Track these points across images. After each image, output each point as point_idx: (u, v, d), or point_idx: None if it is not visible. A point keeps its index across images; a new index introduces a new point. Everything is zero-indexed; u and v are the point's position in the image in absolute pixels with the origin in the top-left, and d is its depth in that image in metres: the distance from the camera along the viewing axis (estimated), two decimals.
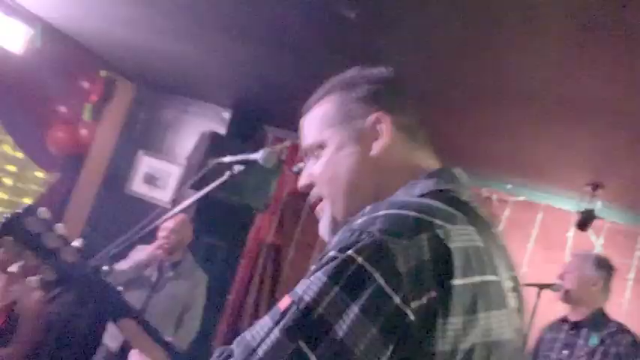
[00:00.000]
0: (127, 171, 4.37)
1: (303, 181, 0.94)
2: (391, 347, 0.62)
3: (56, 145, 4.21)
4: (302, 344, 0.62)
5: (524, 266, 3.73)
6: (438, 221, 0.68)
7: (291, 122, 4.30)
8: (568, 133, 2.84)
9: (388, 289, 0.62)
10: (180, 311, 2.99)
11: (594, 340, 2.37)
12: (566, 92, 2.41)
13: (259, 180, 3.86)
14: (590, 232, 3.57)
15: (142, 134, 4.43)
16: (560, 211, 3.67)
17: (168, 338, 1.12)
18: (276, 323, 0.65)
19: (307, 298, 0.64)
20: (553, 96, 2.48)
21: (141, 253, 2.88)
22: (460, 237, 0.68)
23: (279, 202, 4.26)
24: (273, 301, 4.12)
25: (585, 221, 3.31)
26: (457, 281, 0.65)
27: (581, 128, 2.74)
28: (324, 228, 0.91)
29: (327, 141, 0.91)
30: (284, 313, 0.65)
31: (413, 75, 2.53)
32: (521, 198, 3.90)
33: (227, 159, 1.74)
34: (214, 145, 3.64)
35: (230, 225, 4.04)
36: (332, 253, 0.66)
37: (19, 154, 4.63)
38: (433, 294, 0.63)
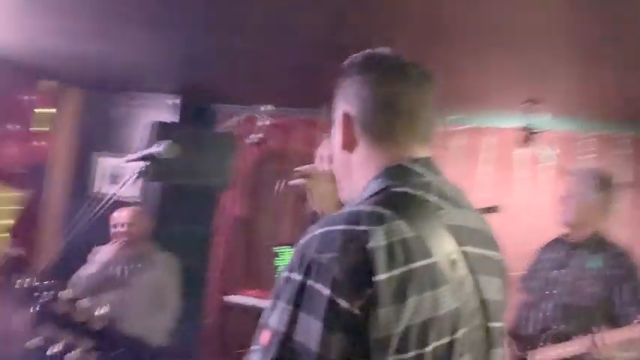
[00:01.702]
0: (89, 174, 4.43)
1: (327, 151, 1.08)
2: (356, 344, 0.76)
3: (14, 161, 4.28)
4: None
5: (480, 190, 3.83)
6: (362, 227, 0.80)
7: (239, 97, 4.34)
8: (499, 58, 2.87)
9: (336, 298, 0.76)
10: (156, 299, 3.10)
11: (597, 262, 2.31)
12: (494, 19, 2.42)
13: (217, 159, 3.93)
14: (539, 146, 3.65)
15: (96, 136, 4.47)
16: (506, 131, 3.74)
17: None
18: (264, 356, 0.78)
19: (282, 329, 0.78)
20: (480, 24, 2.48)
21: (102, 253, 2.98)
22: (384, 235, 0.79)
23: (244, 176, 4.34)
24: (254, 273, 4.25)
25: (527, 137, 3.38)
26: (381, 276, 0.76)
27: (512, 52, 2.77)
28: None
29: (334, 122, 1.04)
30: (269, 348, 0.78)
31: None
32: (467, 126, 3.97)
33: (130, 157, 1.81)
34: (163, 133, 3.69)
35: (198, 208, 4.13)
36: (285, 274, 0.82)
37: None
38: (369, 291, 0.76)
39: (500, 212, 2.96)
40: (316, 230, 0.82)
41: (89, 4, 2.72)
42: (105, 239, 3.01)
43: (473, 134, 3.98)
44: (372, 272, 0.76)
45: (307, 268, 0.78)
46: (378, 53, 1.02)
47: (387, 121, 0.97)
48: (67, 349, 1.19)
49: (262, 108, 4.34)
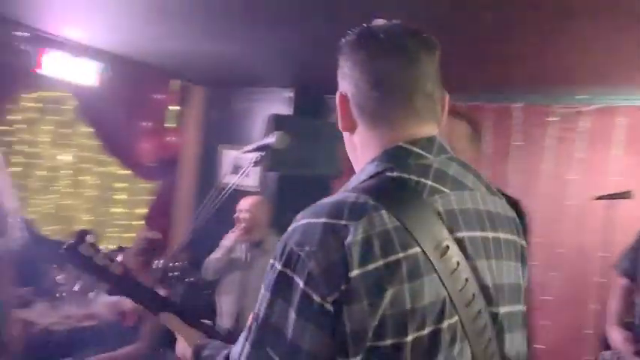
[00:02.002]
0: (215, 166, 4.74)
1: None
2: (328, 336, 0.78)
3: (148, 155, 4.69)
4: (268, 350, 0.81)
5: (612, 175, 3.54)
6: (342, 222, 0.79)
7: None
8: (631, 30, 2.65)
9: (309, 291, 0.78)
10: None
11: None
12: None
13: (328, 148, 4.02)
14: None
15: (220, 130, 4.77)
16: None
17: (206, 322, 1.35)
18: (246, 339, 0.85)
19: (262, 314, 0.83)
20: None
21: (226, 239, 3.20)
22: (362, 229, 0.78)
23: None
24: None
25: None
26: (355, 272, 0.77)
27: None
28: None
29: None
30: (250, 329, 0.85)
31: None
32: (599, 105, 3.68)
33: (246, 148, 1.90)
34: (279, 125, 3.85)
35: (312, 196, 4.25)
36: (270, 261, 0.84)
37: (126, 171, 5.22)
38: (343, 287, 0.77)
39: (634, 198, 2.74)
40: (300, 220, 0.83)
41: (210, 8, 2.90)
42: (231, 226, 3.22)
43: (603, 114, 3.70)
44: (347, 268, 0.76)
45: (287, 258, 0.80)
46: (370, 27, 0.95)
47: (380, 101, 0.91)
48: (86, 288, 1.35)
49: None
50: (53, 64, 3.63)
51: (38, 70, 3.59)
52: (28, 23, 3.42)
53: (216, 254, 3.21)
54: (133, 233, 5.15)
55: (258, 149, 1.83)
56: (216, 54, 3.86)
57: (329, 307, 0.77)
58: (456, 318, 0.81)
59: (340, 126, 0.98)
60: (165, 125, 4.79)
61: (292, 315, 0.79)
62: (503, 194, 1.00)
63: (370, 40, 0.93)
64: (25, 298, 3.88)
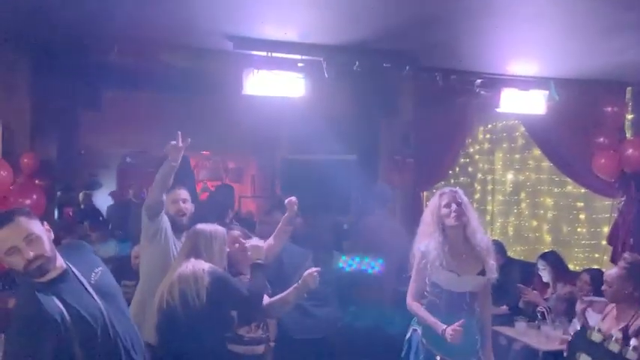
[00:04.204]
0: None
1: None
2: None
3: (604, 171, 4.45)
4: None
5: None
6: None
7: None
8: None
9: None
10: None
11: None
12: None
13: None
14: None
15: None
16: None
17: None
18: None
19: None
20: None
21: None
22: None
23: None
24: None
25: None
26: None
27: None
28: None
29: None
30: None
31: None
32: None
33: None
34: None
35: None
36: None
37: (582, 190, 5.11)
38: None
39: None
40: None
41: None
42: None
43: None
44: None
45: None
46: None
47: None
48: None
49: None
50: (508, 101, 3.94)
51: (497, 109, 3.96)
52: (485, 71, 3.86)
53: None
54: (597, 254, 4.98)
55: None
56: None
57: None
58: None
59: None
60: (623, 137, 4.48)
61: None
62: None
63: None
64: (505, 317, 4.27)
